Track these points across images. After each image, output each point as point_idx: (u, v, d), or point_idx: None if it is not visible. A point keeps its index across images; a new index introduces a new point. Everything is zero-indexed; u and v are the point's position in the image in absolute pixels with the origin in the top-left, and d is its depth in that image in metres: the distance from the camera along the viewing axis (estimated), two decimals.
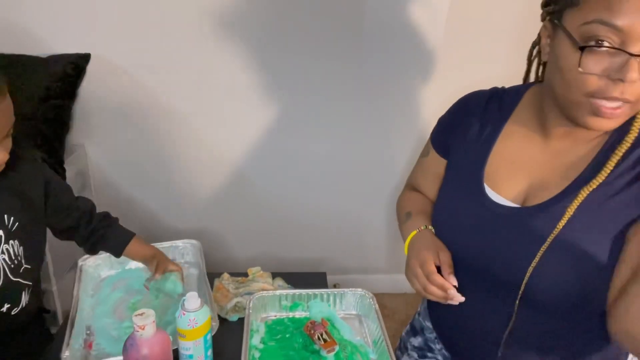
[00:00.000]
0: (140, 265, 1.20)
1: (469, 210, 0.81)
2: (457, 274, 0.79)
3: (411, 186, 1.04)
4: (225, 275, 1.20)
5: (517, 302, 0.76)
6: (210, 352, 0.92)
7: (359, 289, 1.08)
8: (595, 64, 0.62)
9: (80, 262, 1.16)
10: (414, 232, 0.89)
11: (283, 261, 2.10)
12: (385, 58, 1.72)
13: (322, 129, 1.84)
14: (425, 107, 1.81)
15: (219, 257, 2.10)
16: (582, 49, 0.62)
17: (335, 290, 1.08)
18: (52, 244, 1.60)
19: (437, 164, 0.91)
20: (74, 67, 1.62)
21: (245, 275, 1.21)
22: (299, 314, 1.06)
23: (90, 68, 1.69)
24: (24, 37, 1.64)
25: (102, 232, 1.09)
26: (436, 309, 0.96)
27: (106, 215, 1.14)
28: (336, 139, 1.87)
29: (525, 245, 0.73)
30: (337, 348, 0.94)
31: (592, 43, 0.61)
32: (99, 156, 1.87)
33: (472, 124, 0.84)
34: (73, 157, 1.76)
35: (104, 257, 1.18)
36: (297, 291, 1.07)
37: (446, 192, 0.87)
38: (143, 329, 0.79)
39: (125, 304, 1.09)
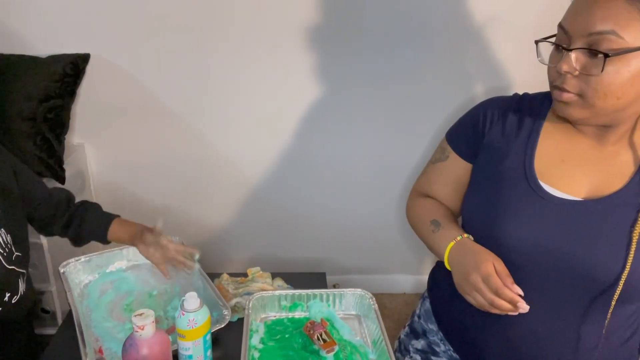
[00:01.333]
0: (120, 265, 1.20)
1: (527, 207, 0.80)
2: (522, 278, 0.79)
3: (420, 193, 1.02)
4: (225, 276, 1.20)
5: (613, 300, 0.75)
6: (209, 353, 0.92)
7: (359, 289, 1.08)
8: (552, 58, 0.75)
9: (61, 269, 1.13)
10: (452, 243, 0.86)
11: (283, 261, 2.10)
12: (384, 59, 1.72)
13: (322, 129, 1.84)
14: (426, 108, 1.81)
15: (218, 257, 2.10)
16: (536, 42, 0.77)
17: (335, 291, 1.08)
18: (52, 244, 1.60)
19: (458, 168, 0.92)
20: (74, 67, 1.62)
21: (245, 275, 1.21)
22: (298, 314, 1.06)
23: (89, 68, 1.69)
24: (24, 37, 1.64)
25: (82, 217, 1.07)
26: (447, 314, 0.95)
27: (84, 202, 1.12)
28: (336, 139, 1.87)
29: (611, 237, 0.74)
30: (336, 348, 0.94)
31: (552, 41, 0.75)
32: (99, 156, 1.87)
33: (507, 126, 0.86)
34: (73, 157, 1.76)
35: (82, 262, 1.16)
36: (297, 291, 1.07)
37: (491, 193, 0.85)
38: (142, 329, 0.79)
39: (119, 307, 1.09)
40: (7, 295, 0.96)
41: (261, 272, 1.21)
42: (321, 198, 1.98)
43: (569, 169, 0.80)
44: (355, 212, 2.01)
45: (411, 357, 1.05)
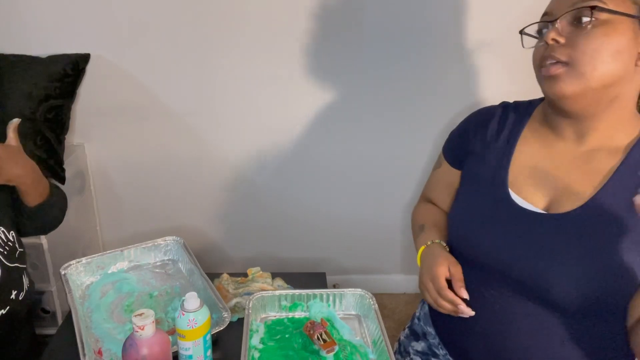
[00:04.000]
0: (121, 267, 1.20)
1: (494, 213, 0.82)
2: (475, 276, 0.83)
3: (426, 198, 1.07)
4: (225, 276, 1.20)
5: (538, 304, 0.77)
6: (209, 353, 0.92)
7: (359, 289, 1.08)
8: (536, 45, 0.77)
9: (62, 271, 1.14)
10: (424, 247, 0.93)
11: (283, 261, 2.11)
12: (389, 59, 1.72)
13: (322, 129, 1.84)
14: (428, 110, 1.81)
15: (218, 257, 2.10)
16: (520, 32, 0.79)
17: (335, 291, 1.08)
18: (52, 244, 1.60)
19: (450, 175, 0.96)
20: (74, 67, 1.62)
21: (245, 275, 1.21)
22: (298, 314, 1.06)
23: (89, 68, 1.69)
24: (24, 37, 1.64)
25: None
26: (442, 318, 0.95)
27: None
28: (336, 139, 1.87)
29: (550, 250, 0.74)
30: (336, 348, 0.94)
31: (533, 28, 0.78)
32: (99, 156, 1.87)
33: (488, 133, 0.89)
34: (73, 157, 1.76)
35: (84, 263, 1.16)
36: (297, 291, 1.07)
37: (466, 197, 0.89)
38: (142, 329, 0.79)
39: (119, 308, 1.08)
40: (14, 292, 0.96)
41: (261, 272, 1.21)
42: (321, 198, 1.98)
43: (539, 177, 0.80)
44: (356, 212, 2.01)
45: (411, 358, 1.06)
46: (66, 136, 1.69)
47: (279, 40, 1.68)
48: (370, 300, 1.05)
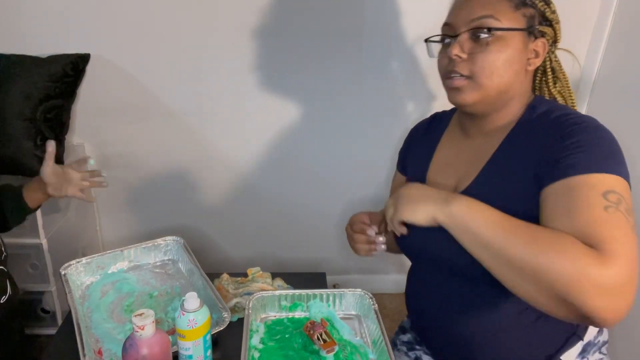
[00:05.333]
0: (121, 267, 1.21)
1: None
2: (423, 268, 1.00)
3: None
4: (225, 276, 1.20)
5: (460, 278, 0.88)
6: (209, 353, 0.92)
7: (359, 289, 1.08)
8: (440, 54, 0.88)
9: (62, 271, 1.14)
10: None
11: (283, 261, 2.11)
12: (388, 58, 1.72)
13: (322, 129, 1.84)
14: (429, 112, 1.81)
15: (218, 257, 2.10)
16: (425, 40, 0.90)
17: (335, 291, 1.08)
18: (52, 245, 1.60)
19: (402, 181, 1.12)
20: (74, 67, 1.62)
21: (245, 275, 1.21)
22: (298, 314, 1.06)
23: (89, 68, 1.69)
24: (24, 37, 1.65)
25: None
26: (413, 309, 1.05)
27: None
28: (336, 139, 1.87)
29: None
30: (336, 348, 0.94)
31: (436, 38, 0.88)
32: (99, 156, 1.87)
33: (418, 144, 1.06)
34: (73, 157, 1.76)
35: (84, 263, 1.16)
36: (297, 291, 1.07)
37: None
38: (142, 329, 0.79)
39: (119, 308, 1.08)
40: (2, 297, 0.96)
41: (261, 272, 1.21)
42: (322, 198, 1.98)
43: (449, 170, 0.94)
44: (356, 212, 2.01)
45: (398, 349, 1.11)
46: (66, 136, 1.69)
47: (279, 41, 1.69)
48: (370, 300, 1.05)
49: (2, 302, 0.99)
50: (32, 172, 1.57)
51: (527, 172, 0.79)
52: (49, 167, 1.15)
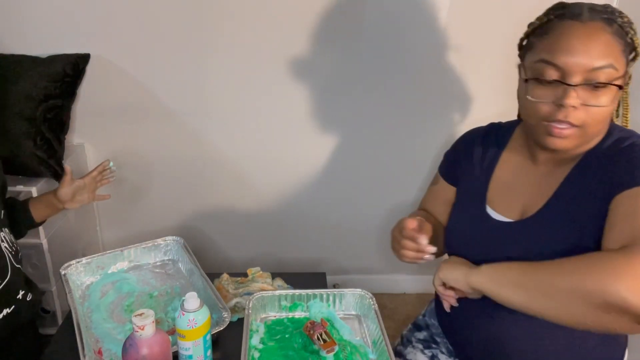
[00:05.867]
0: (121, 267, 1.21)
1: (475, 228, 0.94)
2: None
3: (421, 207, 1.16)
4: (225, 276, 1.20)
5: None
6: (209, 353, 0.92)
7: (359, 289, 1.08)
8: (542, 94, 0.79)
9: (62, 271, 1.14)
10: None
11: (283, 261, 2.10)
12: (390, 58, 1.72)
13: (322, 129, 1.84)
14: (430, 114, 1.81)
15: (218, 257, 2.10)
16: (526, 81, 0.82)
17: (335, 291, 1.08)
18: (52, 245, 1.60)
19: (446, 192, 1.06)
20: (74, 67, 1.62)
21: (245, 275, 1.21)
22: (298, 314, 1.07)
23: (89, 68, 1.69)
24: (24, 37, 1.64)
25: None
26: (445, 312, 1.01)
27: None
28: (336, 139, 1.87)
29: (517, 252, 0.85)
30: (336, 348, 0.94)
31: (536, 77, 0.80)
32: (99, 156, 1.87)
33: (474, 155, 1.00)
34: (73, 157, 1.76)
35: (84, 263, 1.17)
36: (297, 291, 1.07)
37: (456, 214, 1.01)
38: (142, 329, 0.79)
39: (119, 308, 1.09)
40: (21, 293, 0.97)
41: (261, 272, 1.21)
42: (322, 198, 1.98)
43: (513, 194, 0.92)
44: (356, 212, 2.01)
45: (413, 346, 1.11)
46: (66, 136, 1.69)
47: (279, 41, 1.68)
48: (370, 300, 1.05)
49: (28, 299, 1.01)
50: (32, 172, 1.57)
51: (597, 199, 0.79)
52: (70, 189, 1.20)
